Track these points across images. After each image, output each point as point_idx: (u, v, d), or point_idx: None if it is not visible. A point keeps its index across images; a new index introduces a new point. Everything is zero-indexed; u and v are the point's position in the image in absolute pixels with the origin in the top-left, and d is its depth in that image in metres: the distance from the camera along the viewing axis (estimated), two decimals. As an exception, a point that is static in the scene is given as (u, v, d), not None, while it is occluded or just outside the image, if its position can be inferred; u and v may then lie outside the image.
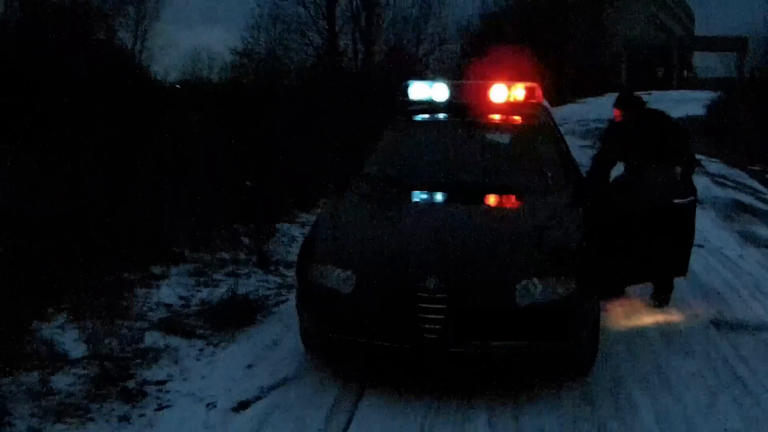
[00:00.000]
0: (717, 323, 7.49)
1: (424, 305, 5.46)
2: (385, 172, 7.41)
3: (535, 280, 5.56)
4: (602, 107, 37.36)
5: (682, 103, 40.03)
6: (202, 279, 8.31)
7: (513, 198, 6.97)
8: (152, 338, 6.57)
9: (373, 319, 5.57)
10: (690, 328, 7.35)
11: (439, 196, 6.99)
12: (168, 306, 7.43)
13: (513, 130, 8.06)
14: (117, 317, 6.81)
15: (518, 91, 8.02)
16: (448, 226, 6.23)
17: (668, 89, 55.92)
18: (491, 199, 6.95)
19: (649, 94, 49.37)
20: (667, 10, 77.55)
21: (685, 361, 6.51)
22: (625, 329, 7.23)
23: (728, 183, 17.12)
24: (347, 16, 28.38)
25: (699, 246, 10.16)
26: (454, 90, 8.18)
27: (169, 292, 7.77)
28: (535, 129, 7.91)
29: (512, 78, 8.66)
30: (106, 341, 6.24)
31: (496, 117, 8.08)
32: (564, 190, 6.99)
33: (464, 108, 8.06)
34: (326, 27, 27.69)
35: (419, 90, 8.24)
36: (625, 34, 62.56)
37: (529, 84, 8.07)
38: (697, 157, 20.69)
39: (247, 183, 12.00)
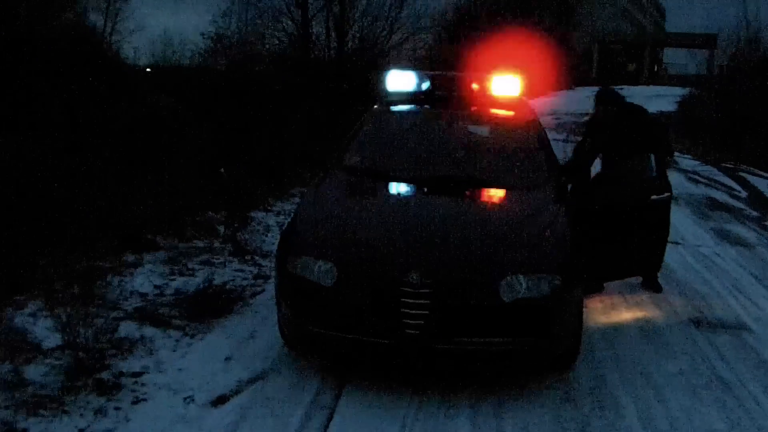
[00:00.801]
0: (697, 322, 7.47)
1: (406, 300, 5.37)
2: (366, 163, 7.30)
3: (519, 276, 5.47)
4: (574, 101, 37.62)
5: (653, 99, 40.18)
6: (176, 267, 8.16)
7: (496, 192, 6.87)
8: (127, 328, 6.43)
9: (354, 313, 5.47)
10: (670, 326, 7.32)
11: (421, 189, 6.84)
12: (143, 295, 7.28)
13: (495, 122, 7.94)
14: (91, 306, 6.66)
15: (498, 83, 7.90)
16: (431, 220, 6.12)
17: (639, 85, 56.16)
18: (474, 193, 6.84)
19: (621, 88, 49.78)
20: (638, 5, 77.63)
21: (667, 360, 6.47)
22: (605, 326, 7.18)
23: (702, 180, 17.17)
24: (321, 3, 28.07)
25: (676, 243, 10.24)
26: (435, 80, 8.08)
27: (144, 280, 7.62)
28: (518, 122, 7.82)
29: (487, 69, 8.56)
30: (81, 331, 6.09)
31: (478, 109, 7.97)
32: (546, 184, 6.91)
33: (445, 99, 7.98)
34: (299, 13, 27.34)
35: (399, 80, 8.09)
36: (596, 29, 62.71)
37: (510, 76, 7.95)
38: (671, 152, 20.93)
39: (221, 170, 11.86)
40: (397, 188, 6.91)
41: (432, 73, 8.13)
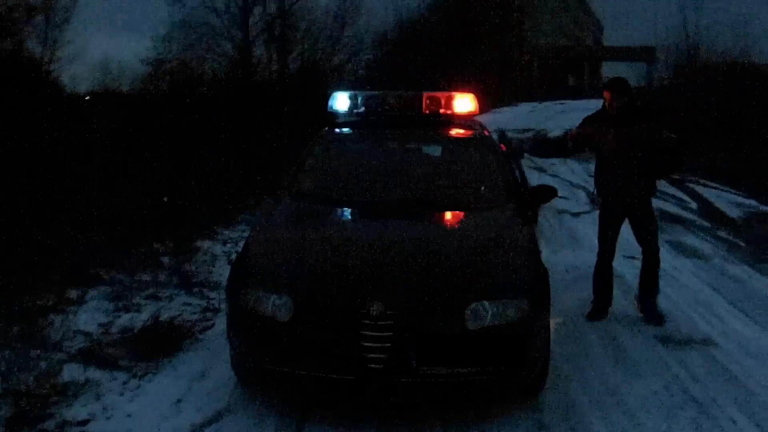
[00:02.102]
0: (662, 339, 7.29)
1: (367, 333, 5.09)
2: (318, 189, 7.02)
3: (485, 302, 5.22)
4: (517, 116, 37.76)
5: (597, 112, 40.44)
6: (121, 303, 7.80)
7: (455, 215, 6.61)
8: (72, 371, 6.06)
9: (313, 348, 5.18)
10: (635, 345, 7.13)
11: (377, 214, 6.55)
12: (87, 334, 6.92)
13: (449, 142, 7.70)
14: (32, 348, 6.30)
15: (452, 102, 7.65)
16: (389, 247, 5.84)
17: (581, 98, 56.54)
18: (433, 216, 6.59)
19: (563, 103, 50.13)
20: (577, 20, 78.56)
21: (637, 382, 6.26)
22: (569, 347, 6.96)
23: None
24: (262, 25, 27.86)
25: (632, 258, 10.05)
26: (385, 100, 7.75)
27: (88, 318, 7.27)
28: (473, 141, 7.58)
29: (427, 87, 8.33)
30: (21, 376, 5.73)
31: (431, 129, 7.73)
32: (507, 204, 6.68)
33: (396, 119, 7.69)
34: (240, 36, 27.12)
35: (346, 101, 7.80)
36: (535, 44, 63.25)
37: (463, 94, 7.70)
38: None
39: (164, 199, 11.53)
40: (352, 214, 6.65)
41: (381, 92, 7.81)
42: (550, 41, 67.08)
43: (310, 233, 6.23)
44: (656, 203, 14.84)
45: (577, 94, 61.43)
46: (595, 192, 8.06)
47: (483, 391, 5.42)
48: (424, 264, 5.54)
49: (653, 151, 7.56)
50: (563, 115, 41.60)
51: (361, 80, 31.59)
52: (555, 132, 33.52)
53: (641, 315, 7.86)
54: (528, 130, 33.34)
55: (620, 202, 7.73)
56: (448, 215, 6.64)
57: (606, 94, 7.69)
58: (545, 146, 25.52)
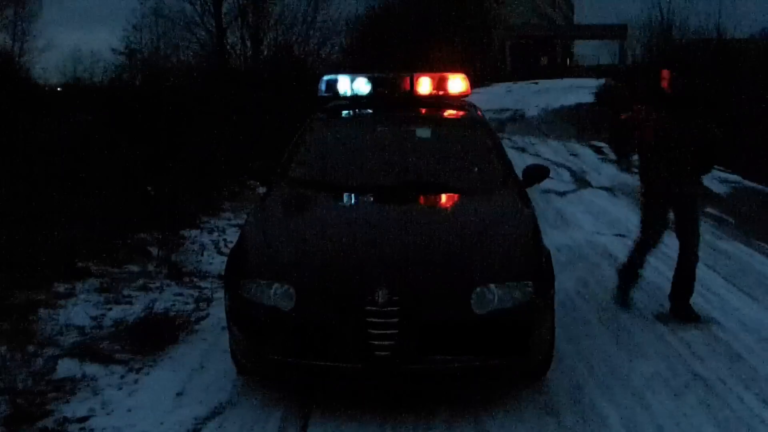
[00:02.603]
0: (662, 318, 7.23)
1: (373, 320, 4.99)
2: (313, 174, 6.87)
3: (491, 285, 5.13)
4: (492, 97, 37.67)
5: (570, 92, 40.61)
6: (111, 295, 7.64)
7: (455, 197, 6.51)
8: (67, 366, 5.91)
9: (317, 337, 5.08)
10: (636, 324, 7.08)
11: (376, 199, 6.46)
12: (79, 328, 6.76)
13: (444, 124, 7.58)
14: (24, 344, 6.15)
15: (445, 83, 7.53)
16: (391, 232, 5.75)
17: (553, 77, 56.64)
18: (433, 200, 6.50)
19: (537, 83, 50.20)
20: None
21: (641, 362, 6.21)
22: (570, 329, 6.88)
23: (634, 169, 16.99)
24: (234, 12, 27.62)
25: (621, 236, 10.07)
26: (377, 83, 7.60)
27: (78, 311, 7.10)
28: (467, 123, 7.47)
29: (404, 69, 8.21)
30: (16, 373, 5.60)
31: (425, 112, 7.62)
32: (505, 186, 6.59)
33: (389, 102, 7.57)
34: (213, 23, 26.86)
35: (337, 84, 7.64)
36: (507, 24, 63.18)
37: (456, 75, 7.58)
38: (598, 144, 20.97)
39: (149, 188, 11.36)
40: (351, 199, 6.53)
41: (373, 75, 7.67)
42: (523, 21, 67.06)
43: (308, 219, 6.13)
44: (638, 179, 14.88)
45: (550, 73, 61.54)
46: (641, 182, 7.56)
47: (491, 376, 5.34)
48: (428, 248, 5.44)
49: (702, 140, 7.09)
50: (538, 95, 41.73)
51: (335, 64, 31.37)
52: (531, 112, 33.55)
53: (671, 316, 7.35)
54: (505, 110, 33.29)
55: (670, 190, 7.27)
56: (448, 198, 6.54)
57: (665, 73, 7.18)
58: None
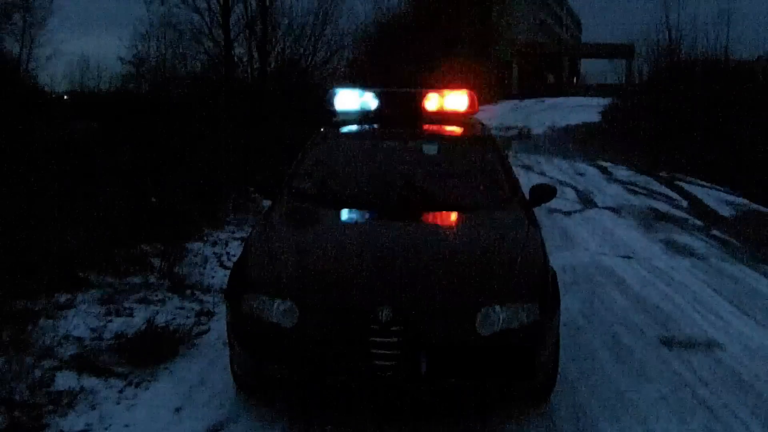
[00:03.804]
0: (666, 342, 7.16)
1: (376, 339, 4.91)
2: (318, 189, 6.84)
3: (496, 306, 5.06)
4: (502, 114, 37.77)
5: (576, 110, 40.70)
6: (112, 307, 7.57)
7: (461, 216, 6.44)
8: (65, 379, 5.85)
9: (319, 355, 4.99)
10: (639, 347, 7.00)
11: (380, 215, 6.39)
12: (79, 340, 6.69)
13: (452, 141, 7.54)
14: (24, 355, 6.08)
15: (452, 100, 7.50)
16: (395, 249, 5.67)
17: (560, 96, 56.72)
18: (438, 217, 6.44)
19: (543, 101, 50.25)
20: (555, 17, 78.66)
21: (645, 385, 6.13)
22: (573, 350, 6.81)
23: (640, 190, 17.06)
24: (242, 23, 27.60)
25: (627, 257, 9.99)
26: (385, 99, 7.58)
27: (79, 323, 7.02)
28: (474, 140, 7.44)
29: (410, 84, 8.19)
30: (13, 384, 5.53)
31: (432, 128, 7.57)
32: (512, 205, 6.54)
33: (397, 118, 7.54)
34: (221, 34, 26.84)
35: (346, 99, 7.61)
36: (514, 41, 63.26)
37: (463, 92, 7.55)
38: (603, 164, 20.96)
39: (153, 199, 11.31)
40: (355, 215, 6.46)
41: (381, 90, 7.64)
42: (530, 38, 67.13)
43: (312, 235, 6.08)
44: (646, 201, 14.92)
45: (556, 91, 61.61)
46: None
47: (494, 397, 5.27)
48: (433, 267, 5.38)
49: None
50: (544, 113, 41.81)
51: (342, 77, 31.36)
52: (538, 130, 33.57)
53: None
54: (512, 128, 33.30)
55: None
56: (454, 216, 6.48)
57: None
58: None
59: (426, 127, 7.57)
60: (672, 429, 5.43)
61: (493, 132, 26.16)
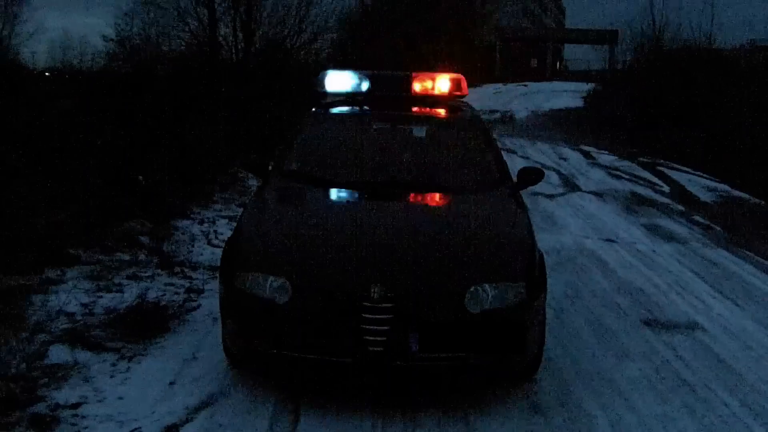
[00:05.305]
0: (648, 323, 7.31)
1: (367, 315, 5.03)
2: (310, 169, 6.91)
3: (485, 285, 5.18)
4: (484, 98, 37.83)
5: (559, 95, 40.84)
6: (102, 283, 7.65)
7: (451, 197, 6.56)
8: (58, 353, 5.93)
9: (311, 331, 5.10)
10: (622, 328, 7.14)
11: (371, 195, 6.47)
12: (70, 315, 6.76)
13: (441, 123, 7.64)
14: (15, 329, 6.16)
15: (442, 83, 7.60)
16: (386, 229, 5.79)
17: (543, 80, 56.85)
18: (428, 198, 6.55)
19: (526, 85, 50.37)
20: (539, 2, 78.70)
21: (628, 365, 6.28)
22: (558, 331, 6.94)
23: (623, 175, 17.20)
24: (227, 3, 27.51)
25: (610, 241, 10.12)
26: (375, 81, 7.67)
27: (69, 298, 7.07)
28: (463, 123, 7.55)
29: (388, 66, 8.28)
30: (8, 358, 5.60)
31: (422, 110, 7.67)
32: (500, 185, 6.66)
33: (387, 101, 7.63)
34: (206, 13, 26.76)
35: (336, 81, 7.69)
36: (498, 26, 63.34)
37: (453, 75, 7.65)
38: (586, 148, 21.10)
39: (140, 177, 11.34)
40: (346, 195, 6.56)
41: (371, 72, 7.73)
42: (513, 23, 67.19)
43: (305, 214, 6.18)
44: (629, 186, 15.08)
45: (539, 76, 61.74)
46: None
47: (482, 375, 5.40)
48: (423, 246, 5.50)
49: None
50: (527, 97, 41.94)
51: (327, 59, 31.36)
52: (521, 114, 33.70)
53: None
54: (494, 111, 33.43)
55: None
56: (444, 197, 6.59)
57: None
58: None
59: (416, 109, 7.67)
60: (653, 405, 5.58)
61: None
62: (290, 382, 5.54)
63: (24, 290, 7.16)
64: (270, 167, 7.03)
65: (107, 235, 9.10)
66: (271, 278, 5.23)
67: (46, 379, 5.53)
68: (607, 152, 21.12)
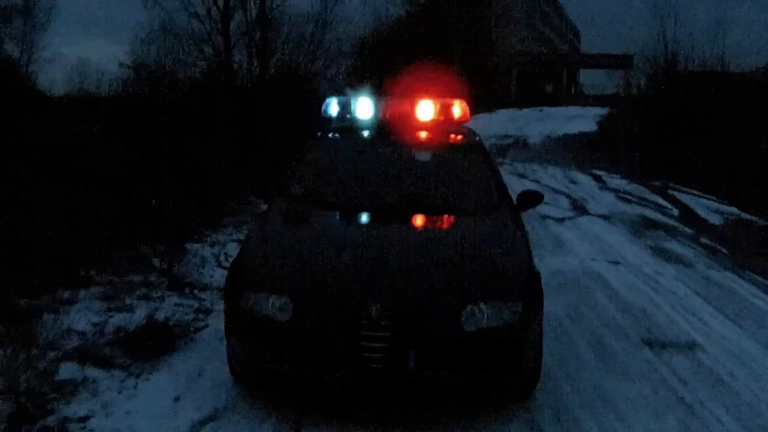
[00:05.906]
0: (649, 343, 7.40)
1: (366, 333, 5.18)
2: (313, 192, 7.08)
3: (481, 304, 5.33)
4: (498, 123, 37.98)
5: (574, 120, 40.85)
6: (113, 304, 7.84)
7: (450, 219, 6.73)
8: (68, 369, 6.10)
9: (312, 348, 5.26)
10: (622, 348, 7.24)
11: (373, 218, 6.64)
12: (81, 333, 6.93)
13: (442, 149, 7.76)
14: (30, 347, 6.32)
15: (445, 109, 7.77)
16: (386, 250, 5.94)
17: (559, 105, 56.96)
18: (429, 221, 6.70)
19: (541, 110, 50.48)
20: (555, 27, 78.93)
21: (626, 384, 6.37)
22: (558, 350, 7.05)
23: (632, 199, 17.30)
24: (242, 30, 27.79)
25: (616, 263, 10.22)
26: (379, 106, 7.86)
27: (81, 318, 7.27)
28: (465, 148, 7.70)
29: (409, 93, 8.42)
30: (19, 374, 5.76)
31: (424, 135, 7.82)
32: (499, 208, 6.80)
33: (390, 126, 7.78)
34: (221, 40, 27.05)
35: (341, 107, 7.92)
36: (512, 50, 63.49)
37: (455, 101, 7.83)
38: (598, 173, 21.18)
39: (153, 202, 11.52)
40: (350, 218, 6.71)
41: (377, 98, 7.90)
42: (528, 48, 67.37)
43: (307, 235, 6.34)
44: (638, 209, 15.16)
45: (554, 101, 61.84)
46: None
47: (479, 393, 5.53)
48: (421, 266, 5.66)
49: None
50: (541, 122, 42.00)
51: (340, 86, 31.59)
52: (534, 139, 33.79)
53: None
54: (508, 137, 33.55)
55: None
56: (444, 219, 6.76)
57: None
58: None
59: (418, 134, 7.82)
60: (650, 425, 5.67)
61: (490, 140, 26.41)
62: (292, 398, 5.68)
63: (37, 309, 7.33)
64: (274, 190, 7.21)
65: (120, 257, 9.28)
66: (273, 297, 5.41)
67: (56, 394, 5.69)
68: (618, 176, 21.21)
